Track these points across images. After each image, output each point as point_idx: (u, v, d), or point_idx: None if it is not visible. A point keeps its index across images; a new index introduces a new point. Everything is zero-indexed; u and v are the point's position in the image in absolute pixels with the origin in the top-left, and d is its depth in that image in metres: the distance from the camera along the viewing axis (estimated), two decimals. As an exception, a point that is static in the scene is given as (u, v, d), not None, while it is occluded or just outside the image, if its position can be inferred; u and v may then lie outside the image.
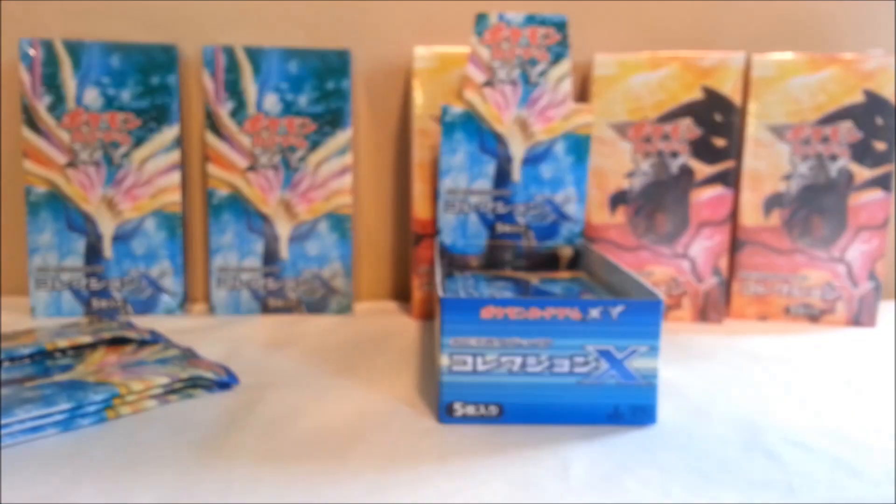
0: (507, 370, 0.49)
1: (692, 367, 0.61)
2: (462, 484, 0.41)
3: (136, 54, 0.73)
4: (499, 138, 0.71)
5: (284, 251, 0.76)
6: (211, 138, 0.74)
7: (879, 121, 0.72)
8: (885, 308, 0.78)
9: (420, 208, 0.75)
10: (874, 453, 0.46)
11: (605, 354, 0.48)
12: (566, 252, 0.73)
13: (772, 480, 0.42)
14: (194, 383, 0.53)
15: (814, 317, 0.76)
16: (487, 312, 0.48)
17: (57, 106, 0.72)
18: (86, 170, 0.73)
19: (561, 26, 0.70)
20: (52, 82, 0.72)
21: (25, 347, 0.55)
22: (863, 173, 0.73)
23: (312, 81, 0.74)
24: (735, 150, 0.73)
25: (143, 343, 0.60)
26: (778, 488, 0.41)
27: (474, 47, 0.70)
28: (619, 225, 0.75)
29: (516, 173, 0.72)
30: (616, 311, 0.48)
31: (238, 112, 0.73)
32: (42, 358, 0.55)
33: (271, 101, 0.73)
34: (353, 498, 0.40)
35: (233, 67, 0.73)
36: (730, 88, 0.72)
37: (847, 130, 0.73)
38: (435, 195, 0.74)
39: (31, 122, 0.72)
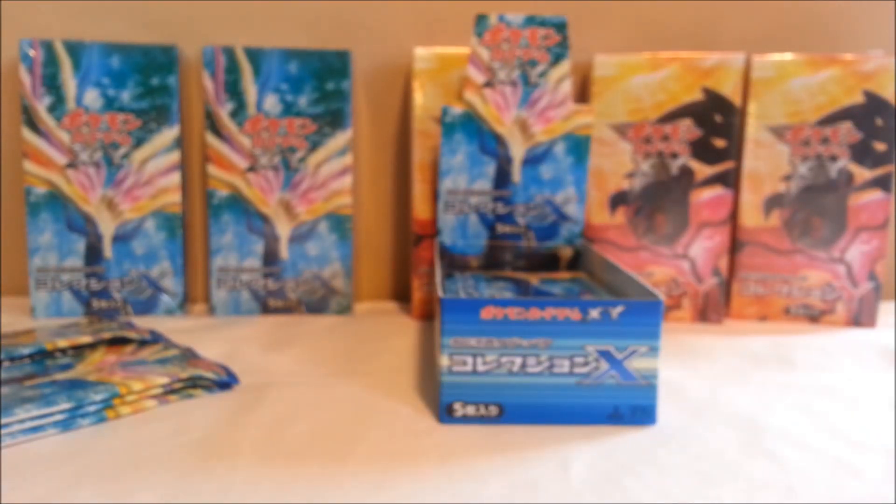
0: (507, 370, 0.49)
1: (692, 367, 0.61)
2: (462, 484, 0.41)
3: (136, 55, 0.73)
4: (499, 139, 0.71)
5: (284, 251, 0.76)
6: (211, 139, 0.74)
7: (879, 121, 0.72)
8: (885, 308, 0.78)
9: (420, 209, 0.75)
10: (874, 453, 0.46)
11: (605, 355, 0.48)
12: (566, 252, 0.73)
13: (772, 480, 0.42)
14: (194, 383, 0.53)
15: (814, 317, 0.76)
16: (487, 313, 0.48)
17: (57, 107, 0.72)
18: (86, 170, 0.73)
19: (561, 27, 0.70)
20: (52, 83, 0.72)
21: (25, 347, 0.55)
22: (863, 174, 0.73)
23: (312, 82, 0.74)
24: (735, 151, 0.73)
25: (143, 343, 0.60)
26: (778, 488, 0.41)
27: (474, 48, 0.70)
28: (619, 225, 0.75)
29: (516, 174, 0.72)
30: (616, 311, 0.48)
31: (238, 113, 0.73)
32: (42, 358, 0.55)
33: (271, 102, 0.74)
34: (353, 498, 0.40)
35: (233, 68, 0.73)
36: (730, 89, 0.72)
37: (847, 131, 0.73)
38: (435, 196, 0.74)
39: (32, 122, 0.72)
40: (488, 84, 0.70)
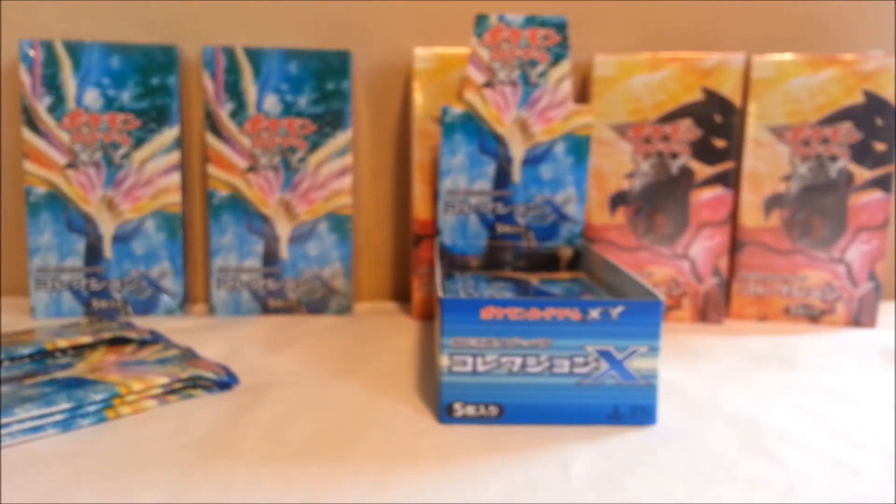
0: (507, 370, 0.49)
1: (692, 367, 0.61)
2: (462, 484, 0.41)
3: (136, 55, 0.73)
4: (499, 139, 0.71)
5: (284, 252, 0.76)
6: (211, 139, 0.74)
7: (879, 122, 0.72)
8: (885, 308, 0.78)
9: (420, 209, 0.75)
10: (874, 453, 0.46)
11: (605, 355, 0.48)
12: (566, 252, 0.73)
13: (772, 480, 0.42)
14: (194, 383, 0.53)
15: (814, 317, 0.76)
16: (487, 313, 0.48)
17: (57, 107, 0.72)
18: (86, 171, 0.73)
19: (560, 27, 0.70)
20: (52, 83, 0.72)
21: (25, 347, 0.55)
22: (863, 174, 0.73)
23: (312, 82, 0.74)
24: (735, 151, 0.73)
25: (143, 343, 0.60)
26: (778, 488, 0.41)
27: (474, 48, 0.70)
28: (619, 225, 0.75)
29: (516, 174, 0.72)
30: (616, 311, 0.48)
31: (238, 113, 0.73)
32: (42, 357, 0.55)
33: (271, 102, 0.74)
34: (353, 498, 0.40)
35: (233, 68, 0.73)
36: (730, 89, 0.72)
37: (847, 131, 0.73)
38: (435, 196, 0.74)
39: (31, 122, 0.72)
40: (488, 84, 0.70)
